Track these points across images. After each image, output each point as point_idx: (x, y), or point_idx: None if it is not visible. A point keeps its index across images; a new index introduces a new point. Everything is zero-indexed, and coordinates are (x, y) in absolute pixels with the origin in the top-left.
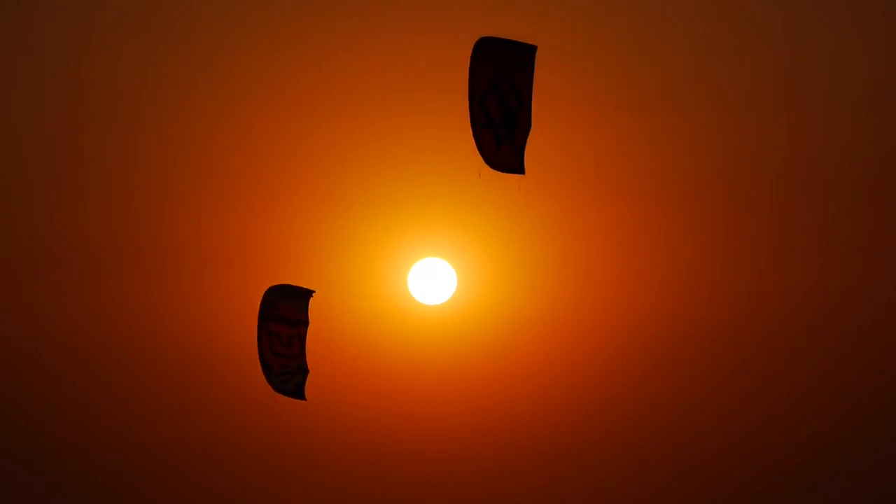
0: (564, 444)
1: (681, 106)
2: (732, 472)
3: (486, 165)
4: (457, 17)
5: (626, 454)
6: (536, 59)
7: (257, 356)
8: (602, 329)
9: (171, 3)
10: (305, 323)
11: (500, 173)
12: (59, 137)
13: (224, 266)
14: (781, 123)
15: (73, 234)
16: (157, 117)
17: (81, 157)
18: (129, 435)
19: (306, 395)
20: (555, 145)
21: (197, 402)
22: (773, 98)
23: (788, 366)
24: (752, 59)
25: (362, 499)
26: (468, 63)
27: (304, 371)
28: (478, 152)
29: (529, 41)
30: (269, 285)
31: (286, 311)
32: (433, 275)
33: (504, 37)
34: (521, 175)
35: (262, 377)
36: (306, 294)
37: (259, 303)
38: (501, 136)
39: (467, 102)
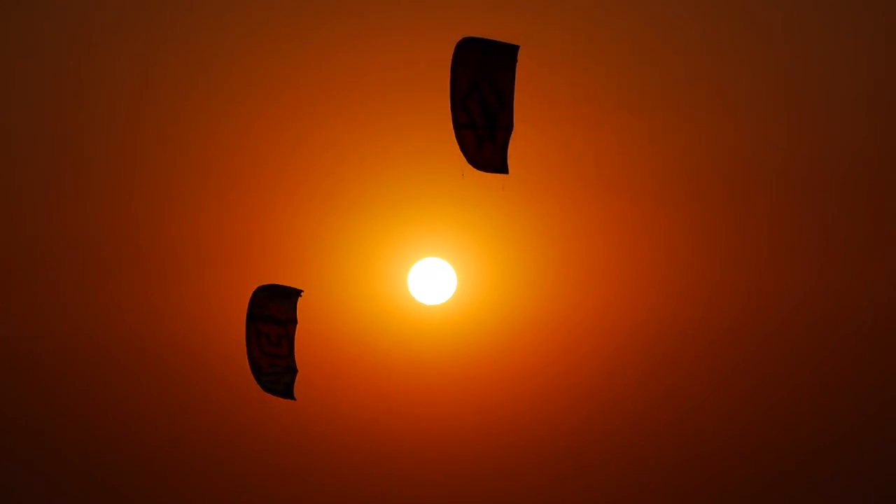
0: (564, 444)
1: (681, 106)
2: (732, 472)
3: (468, 165)
4: (457, 17)
5: (626, 454)
6: (537, 60)
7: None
8: (602, 329)
9: (171, 3)
10: (294, 322)
11: (483, 173)
12: (59, 137)
13: (224, 266)
14: (781, 123)
15: (73, 234)
16: (157, 117)
17: (81, 157)
18: (129, 435)
19: (307, 395)
20: (555, 145)
21: (197, 402)
22: (773, 98)
23: (788, 366)
24: (752, 59)
25: (362, 499)
26: None
27: (293, 371)
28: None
29: (530, 41)
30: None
31: (275, 310)
32: (433, 275)
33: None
34: (505, 175)
35: None
36: (295, 294)
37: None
38: (482, 136)
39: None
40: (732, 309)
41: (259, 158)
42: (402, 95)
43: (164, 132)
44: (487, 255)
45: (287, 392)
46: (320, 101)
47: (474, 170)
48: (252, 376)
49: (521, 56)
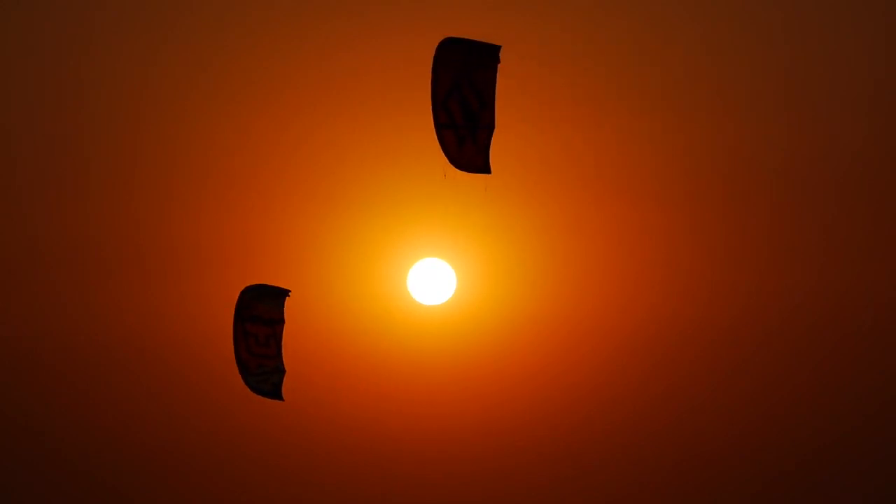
0: (564, 444)
1: (681, 106)
2: (732, 472)
3: (450, 166)
4: (457, 17)
5: (626, 454)
6: (537, 60)
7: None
8: (602, 329)
9: (171, 3)
10: (281, 322)
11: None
12: (59, 137)
13: (224, 266)
14: (781, 123)
15: (73, 234)
16: (157, 117)
17: (81, 157)
18: (129, 435)
19: (307, 395)
20: (555, 145)
21: (197, 402)
22: (773, 98)
23: (788, 366)
24: (752, 59)
25: (362, 499)
26: None
27: (281, 371)
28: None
29: (530, 41)
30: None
31: (262, 311)
32: (433, 275)
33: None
34: (487, 175)
35: None
36: (282, 294)
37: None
38: (463, 135)
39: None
40: (732, 309)
41: (259, 158)
42: (402, 95)
43: (164, 132)
44: (487, 255)
45: (275, 392)
46: (320, 101)
47: (457, 170)
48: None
49: (521, 56)
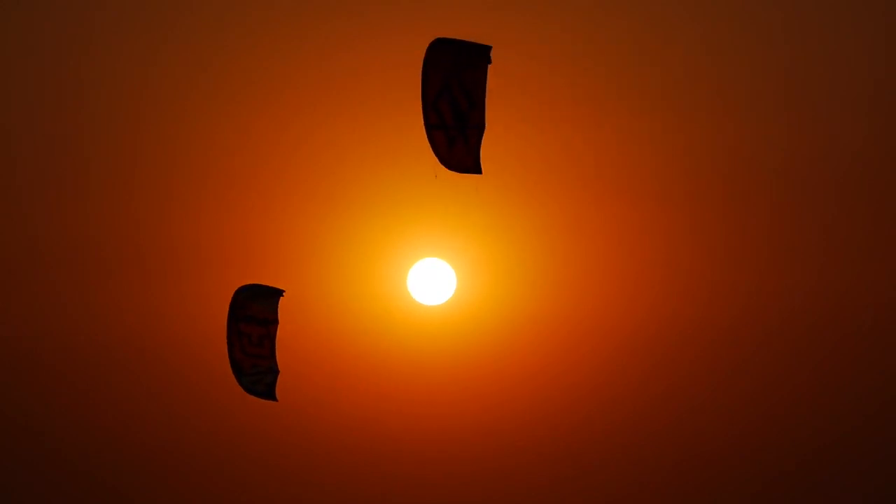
0: (564, 444)
1: (681, 106)
2: (732, 472)
3: (441, 166)
4: (457, 17)
5: (626, 454)
6: (537, 60)
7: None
8: (602, 329)
9: (171, 3)
10: (275, 323)
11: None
12: (59, 137)
13: (224, 266)
14: (781, 123)
15: (73, 234)
16: (157, 117)
17: (81, 157)
18: (129, 435)
19: (307, 395)
20: (555, 145)
21: (197, 402)
22: (773, 98)
23: (788, 366)
24: (752, 59)
25: (362, 499)
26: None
27: (274, 371)
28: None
29: (530, 41)
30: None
31: (256, 311)
32: (433, 275)
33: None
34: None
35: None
36: (276, 294)
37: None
38: (453, 136)
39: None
40: (732, 309)
41: (259, 158)
42: (402, 95)
43: (164, 132)
44: (487, 255)
45: (269, 393)
46: (320, 101)
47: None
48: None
49: (521, 56)
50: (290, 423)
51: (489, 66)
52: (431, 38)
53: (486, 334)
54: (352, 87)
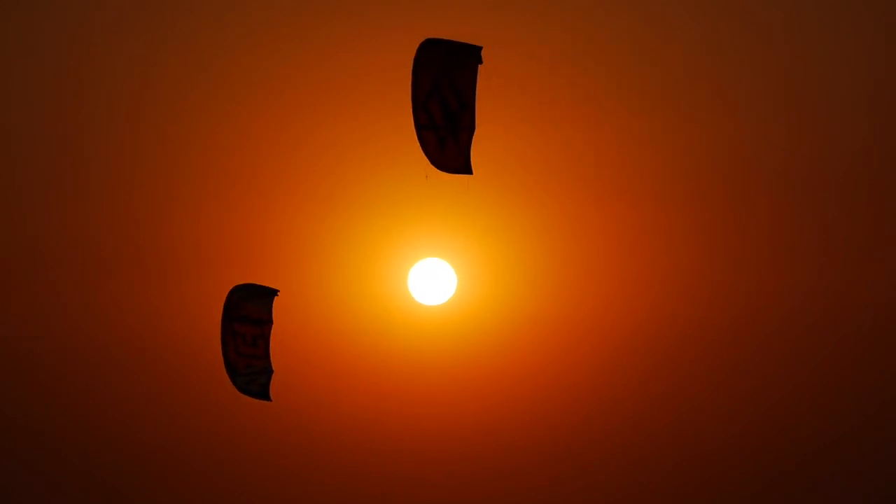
0: (564, 444)
1: (681, 106)
2: (732, 472)
3: (431, 167)
4: (457, 17)
5: (626, 454)
6: (537, 60)
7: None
8: (602, 329)
9: (171, 3)
10: (269, 323)
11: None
12: (59, 137)
13: (224, 266)
14: (781, 123)
15: (73, 234)
16: (157, 117)
17: (81, 157)
18: (129, 435)
19: (307, 395)
20: (555, 145)
21: (197, 402)
22: (773, 98)
23: (788, 366)
24: (752, 59)
25: (362, 499)
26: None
27: (268, 372)
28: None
29: (530, 41)
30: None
31: (251, 311)
32: (433, 275)
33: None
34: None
35: None
36: (270, 294)
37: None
38: (444, 136)
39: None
40: (732, 309)
41: (259, 158)
42: (402, 95)
43: (164, 132)
44: (487, 255)
45: (263, 393)
46: (320, 101)
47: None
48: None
49: (522, 56)
50: (290, 423)
51: (480, 66)
52: (431, 38)
53: (486, 334)
54: (352, 87)
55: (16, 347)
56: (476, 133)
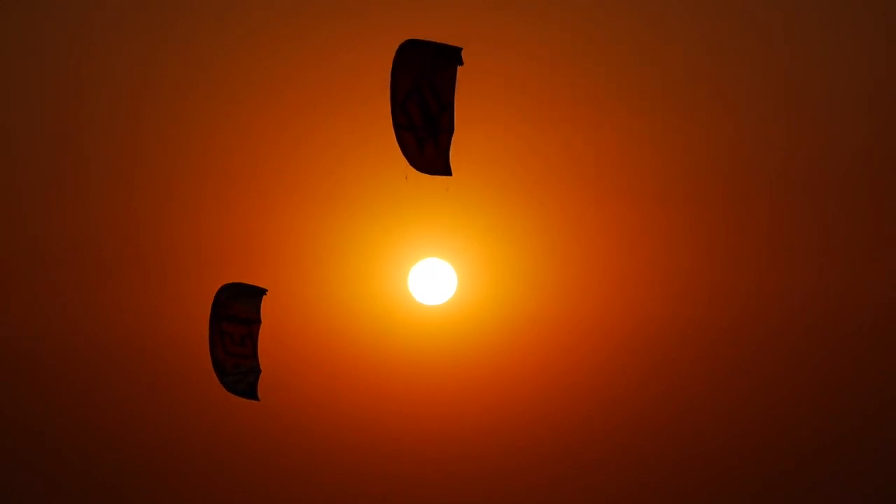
0: (564, 444)
1: (681, 106)
2: (732, 472)
3: (411, 168)
4: (457, 17)
5: (626, 454)
6: (537, 60)
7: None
8: (602, 329)
9: (171, 3)
10: (258, 322)
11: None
12: (59, 137)
13: (224, 266)
14: (781, 123)
15: (73, 234)
16: (157, 117)
17: (81, 157)
18: (129, 435)
19: (307, 395)
20: (555, 145)
21: (197, 402)
22: (773, 98)
23: (788, 366)
24: (752, 59)
25: (362, 499)
26: (468, 64)
27: (257, 371)
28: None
29: (530, 41)
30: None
31: (239, 310)
32: (433, 275)
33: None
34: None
35: (262, 377)
36: (259, 293)
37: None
38: (422, 137)
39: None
40: (732, 309)
41: (259, 158)
42: None
43: (164, 132)
44: (487, 255)
45: (251, 392)
46: (320, 101)
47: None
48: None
49: (522, 56)
50: (290, 423)
51: (461, 66)
52: (432, 38)
53: (486, 334)
54: (352, 87)
55: (16, 347)
56: (476, 133)
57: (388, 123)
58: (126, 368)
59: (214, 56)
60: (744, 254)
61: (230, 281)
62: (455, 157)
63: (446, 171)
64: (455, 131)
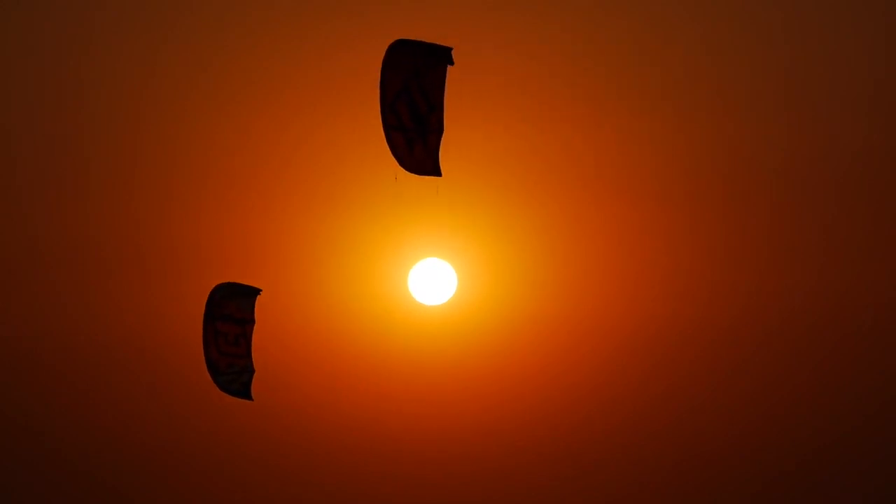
0: (564, 444)
1: (681, 106)
2: (732, 472)
3: (400, 168)
4: (456, 17)
5: (626, 454)
6: (537, 60)
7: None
8: (602, 329)
9: (171, 3)
10: (252, 322)
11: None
12: (59, 137)
13: (224, 266)
14: (781, 123)
15: (73, 234)
16: (157, 117)
17: (81, 157)
18: (129, 435)
19: (307, 395)
20: (555, 145)
21: (197, 402)
22: (773, 98)
23: (788, 366)
24: (752, 59)
25: (362, 499)
26: (468, 64)
27: (250, 371)
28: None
29: (530, 41)
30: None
31: (233, 310)
32: (433, 275)
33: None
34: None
35: (262, 377)
36: (253, 293)
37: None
38: (412, 138)
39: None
40: (732, 309)
41: (259, 158)
42: None
43: (164, 132)
44: (487, 255)
45: (244, 392)
46: (320, 101)
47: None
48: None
49: (522, 56)
50: (290, 423)
51: (457, 66)
52: (431, 38)
53: (486, 334)
54: (352, 87)
55: (16, 347)
56: (476, 133)
57: None
58: (126, 368)
59: (214, 56)
60: (744, 254)
61: (230, 280)
62: (455, 157)
63: (436, 171)
64: (456, 131)
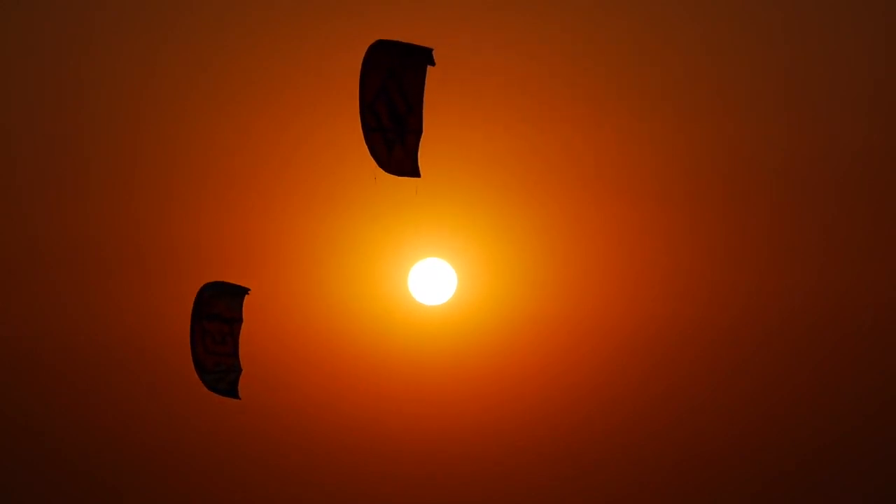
0: (564, 444)
1: (681, 106)
2: (732, 472)
3: (380, 170)
4: (456, 17)
5: (626, 454)
6: (537, 60)
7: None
8: (602, 329)
9: (171, 3)
10: (240, 321)
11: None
12: (59, 137)
13: (224, 266)
14: (781, 123)
15: (73, 234)
16: (157, 117)
17: (81, 157)
18: (129, 435)
19: (307, 395)
20: (555, 145)
21: (197, 402)
22: (773, 98)
23: (788, 366)
24: (752, 59)
25: (362, 499)
26: (468, 63)
27: (237, 370)
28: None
29: (530, 41)
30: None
31: (222, 309)
32: (433, 275)
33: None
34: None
35: (262, 377)
36: (242, 292)
37: (255, 303)
38: (391, 139)
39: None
40: (732, 309)
41: (259, 158)
42: None
43: (164, 132)
44: (487, 255)
45: (231, 391)
46: (320, 101)
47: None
48: (252, 375)
49: (522, 56)
50: (290, 423)
51: (430, 67)
52: (431, 38)
53: (486, 334)
54: (352, 87)
55: (16, 347)
56: (476, 133)
57: None
58: (126, 368)
59: (214, 56)
60: (744, 254)
61: (230, 281)
62: (455, 157)
63: (414, 172)
64: (456, 131)
